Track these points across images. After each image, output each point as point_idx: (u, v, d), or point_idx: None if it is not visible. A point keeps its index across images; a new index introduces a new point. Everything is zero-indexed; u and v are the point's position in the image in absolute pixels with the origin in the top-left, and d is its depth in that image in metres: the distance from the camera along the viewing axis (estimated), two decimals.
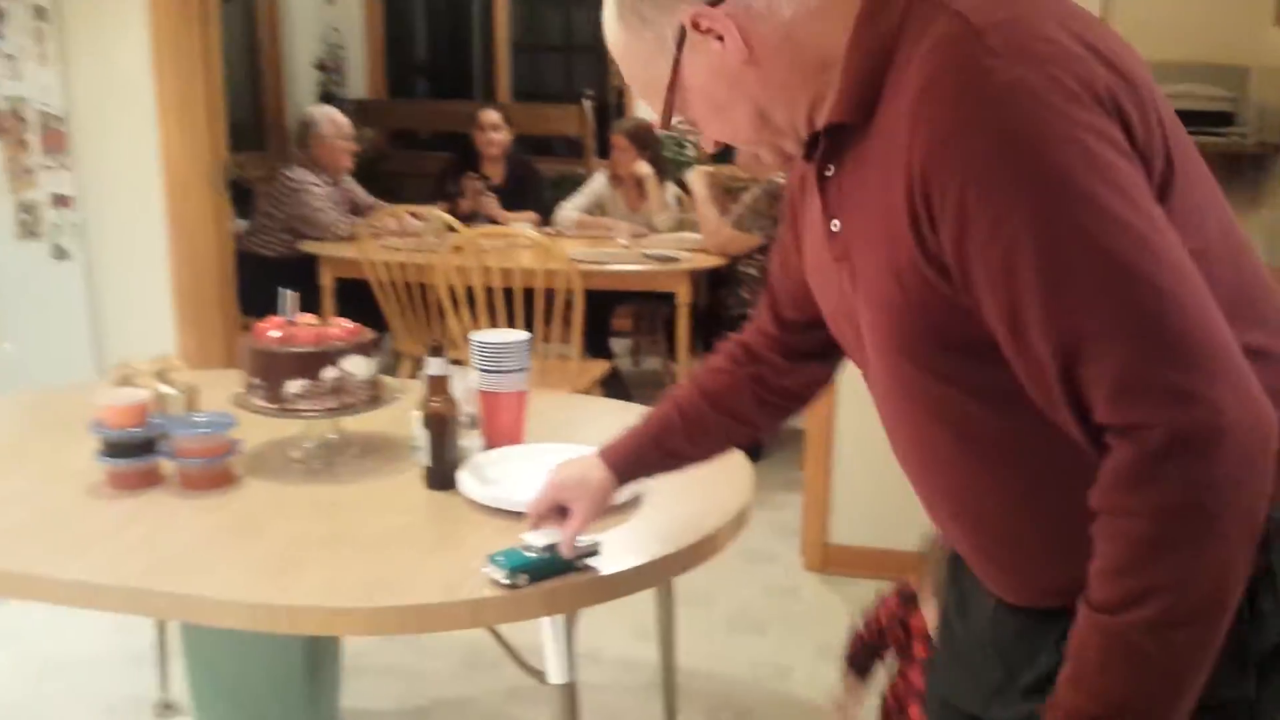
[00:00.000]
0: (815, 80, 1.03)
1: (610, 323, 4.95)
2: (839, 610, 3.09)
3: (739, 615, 3.07)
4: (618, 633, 2.91)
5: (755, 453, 3.64)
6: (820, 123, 1.04)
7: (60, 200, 3.46)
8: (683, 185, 4.96)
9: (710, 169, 4.45)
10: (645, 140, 4.66)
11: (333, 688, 2.52)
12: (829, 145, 1.04)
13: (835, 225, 1.06)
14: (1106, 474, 0.89)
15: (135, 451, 1.79)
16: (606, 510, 1.49)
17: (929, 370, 1.01)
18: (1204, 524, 0.85)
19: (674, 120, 1.11)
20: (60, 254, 3.48)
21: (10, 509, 1.72)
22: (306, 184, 4.50)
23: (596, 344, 4.55)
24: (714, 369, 1.40)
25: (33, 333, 3.29)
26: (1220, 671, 0.94)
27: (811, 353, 1.34)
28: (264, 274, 4.39)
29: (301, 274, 4.34)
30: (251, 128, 6.05)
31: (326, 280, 4.30)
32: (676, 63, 1.05)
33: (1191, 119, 2.97)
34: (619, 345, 5.31)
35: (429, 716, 2.58)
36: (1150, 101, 0.92)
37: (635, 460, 1.44)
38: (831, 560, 3.31)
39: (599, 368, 3.98)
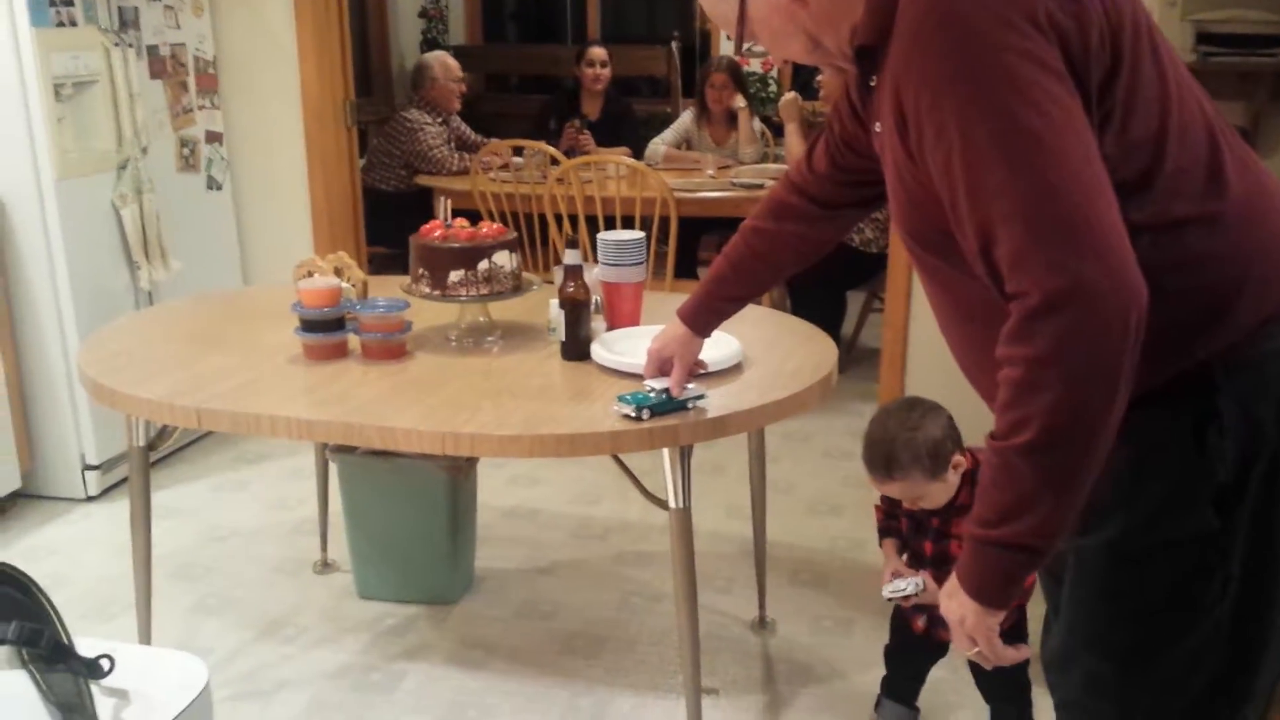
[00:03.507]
0: (852, 11, 1.24)
1: (698, 250, 5.30)
2: None
3: (819, 500, 3.44)
4: (713, 512, 3.30)
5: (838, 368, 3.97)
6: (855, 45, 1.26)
7: (213, 136, 3.89)
8: (766, 120, 5.26)
9: (799, 98, 4.69)
10: (742, 77, 4.98)
11: (469, 550, 2.95)
12: (864, 62, 1.26)
13: (877, 128, 1.29)
14: (1002, 332, 1.09)
15: (328, 327, 2.20)
16: (698, 361, 1.91)
17: (925, 246, 1.27)
18: (1064, 372, 1.04)
19: (745, 46, 1.37)
20: (213, 184, 3.91)
21: (232, 374, 2.14)
22: (421, 124, 4.90)
23: (685, 269, 4.90)
24: (758, 229, 1.73)
25: (193, 253, 3.73)
26: (1174, 507, 1.18)
27: (844, 204, 1.65)
28: (383, 207, 4.83)
29: (416, 206, 4.76)
30: (360, 74, 6.45)
31: (440, 212, 4.70)
32: (743, 1, 1.30)
33: (1242, 41, 3.22)
34: (703, 275, 5.66)
35: (550, 574, 3.00)
36: (1098, 15, 1.10)
37: (706, 312, 1.85)
38: None
39: (689, 287, 4.32)
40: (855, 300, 4.82)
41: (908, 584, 2.03)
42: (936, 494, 2.00)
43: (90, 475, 3.43)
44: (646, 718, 2.38)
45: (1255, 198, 1.19)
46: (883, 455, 1.97)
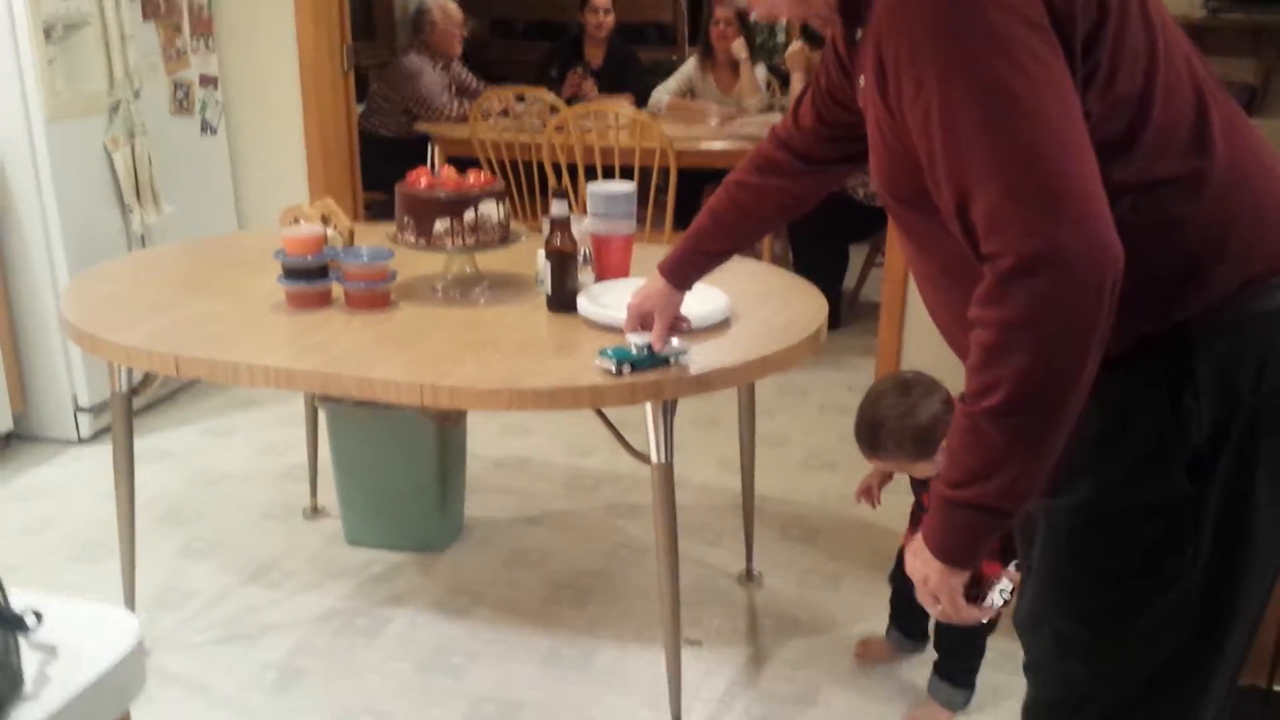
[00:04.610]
0: None
1: (700, 201, 5.25)
2: None
3: (813, 455, 3.43)
4: (704, 464, 3.29)
5: (835, 320, 3.94)
6: None
7: (207, 80, 3.84)
8: (773, 69, 5.19)
9: (806, 48, 4.61)
10: (746, 20, 4.88)
11: (459, 498, 2.94)
12: (849, 14, 1.24)
13: (861, 81, 1.26)
14: (975, 294, 1.07)
15: (311, 275, 2.18)
16: (680, 316, 1.88)
17: (903, 203, 1.25)
18: (1035, 336, 1.03)
19: None
20: (208, 128, 3.87)
21: (214, 322, 2.12)
22: (422, 69, 4.85)
23: (686, 221, 4.85)
24: (742, 182, 1.71)
25: (187, 197, 3.70)
26: (1146, 471, 1.16)
27: (829, 159, 1.62)
28: (381, 152, 4.79)
29: (415, 152, 4.70)
30: (363, 18, 6.39)
31: (439, 158, 4.65)
32: None
33: None
34: None
35: (539, 524, 2.99)
36: None
37: (686, 266, 1.82)
38: None
39: None
40: (858, 254, 4.78)
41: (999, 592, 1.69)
42: (923, 470, 2.02)
43: (82, 418, 3.43)
44: (629, 668, 2.39)
45: (1241, 160, 1.16)
46: (868, 435, 2.02)
